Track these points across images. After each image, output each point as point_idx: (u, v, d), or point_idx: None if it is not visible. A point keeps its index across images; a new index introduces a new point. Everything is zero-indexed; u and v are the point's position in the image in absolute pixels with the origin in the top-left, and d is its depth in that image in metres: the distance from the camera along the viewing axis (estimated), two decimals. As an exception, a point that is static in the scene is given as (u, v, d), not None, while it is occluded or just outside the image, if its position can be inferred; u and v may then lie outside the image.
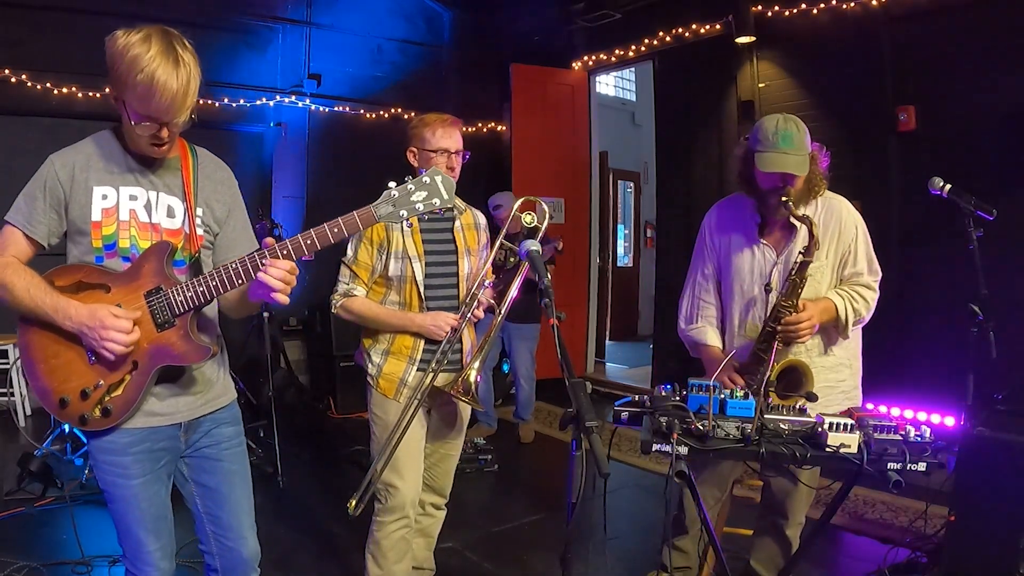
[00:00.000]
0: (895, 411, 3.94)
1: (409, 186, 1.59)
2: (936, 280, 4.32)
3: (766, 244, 2.42)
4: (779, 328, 2.26)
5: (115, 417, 1.65)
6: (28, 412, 5.10)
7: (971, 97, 4.23)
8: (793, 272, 2.27)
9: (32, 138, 5.31)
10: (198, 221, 1.74)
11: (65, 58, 5.20)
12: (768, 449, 1.84)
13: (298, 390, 5.91)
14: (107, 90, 1.61)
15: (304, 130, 6.40)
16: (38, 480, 3.67)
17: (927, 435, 1.86)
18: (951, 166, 3.83)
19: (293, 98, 6.24)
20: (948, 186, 2.74)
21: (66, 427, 4.14)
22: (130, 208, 1.67)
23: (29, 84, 5.12)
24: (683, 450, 1.84)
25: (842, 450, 1.82)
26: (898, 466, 1.81)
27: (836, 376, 2.43)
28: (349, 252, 2.49)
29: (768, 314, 2.32)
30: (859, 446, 1.82)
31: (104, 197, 1.66)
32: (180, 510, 1.88)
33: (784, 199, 2.25)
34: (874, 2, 4.57)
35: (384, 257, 2.44)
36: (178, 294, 1.62)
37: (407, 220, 1.59)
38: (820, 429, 1.86)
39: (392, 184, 1.60)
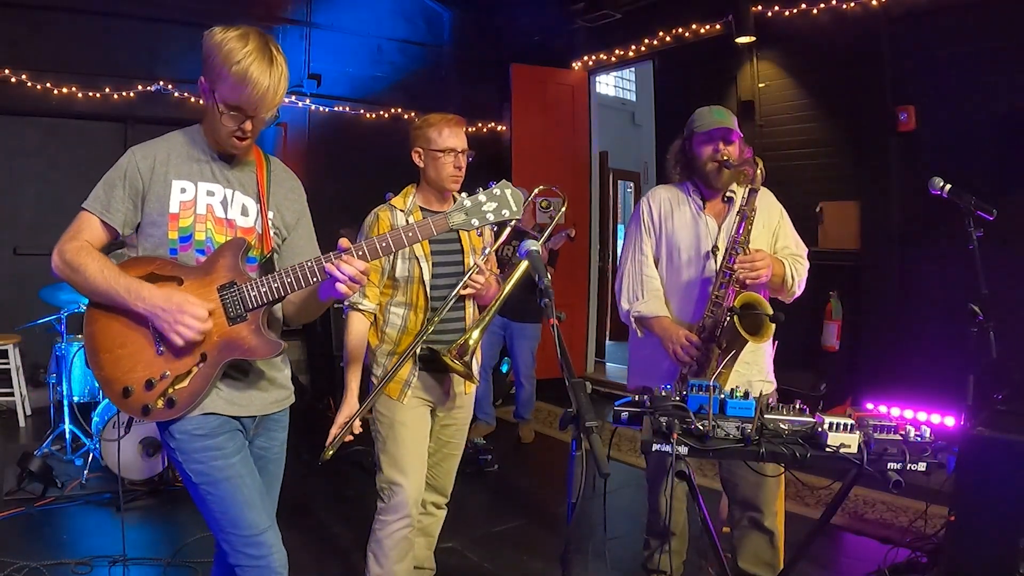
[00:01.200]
0: (895, 411, 3.95)
1: (480, 197, 1.66)
2: (936, 280, 4.32)
3: (708, 215, 2.54)
4: (735, 266, 2.32)
5: (179, 408, 1.66)
6: (28, 412, 5.10)
7: (971, 97, 4.23)
8: (743, 204, 2.38)
9: (32, 138, 5.32)
10: (271, 223, 1.80)
11: (65, 58, 5.20)
12: (768, 449, 1.84)
13: (298, 390, 5.90)
14: (200, 80, 1.68)
15: (304, 130, 6.40)
16: (38, 480, 3.67)
17: (927, 435, 1.86)
18: (951, 166, 3.84)
19: (293, 98, 6.24)
20: (948, 186, 2.74)
21: (66, 427, 4.15)
22: (207, 203, 1.73)
23: (29, 84, 5.12)
24: (683, 450, 1.84)
25: (842, 450, 1.82)
26: (898, 466, 1.81)
27: (765, 348, 2.53)
28: None
29: (721, 262, 2.38)
30: (859, 446, 1.82)
31: (183, 191, 1.71)
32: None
33: (724, 158, 2.43)
34: (874, 2, 4.57)
35: (392, 258, 2.44)
36: (251, 289, 1.66)
37: (478, 230, 1.64)
38: (820, 429, 1.86)
39: (463, 194, 1.68)
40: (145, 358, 1.66)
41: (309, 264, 1.65)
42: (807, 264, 2.54)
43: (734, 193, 2.50)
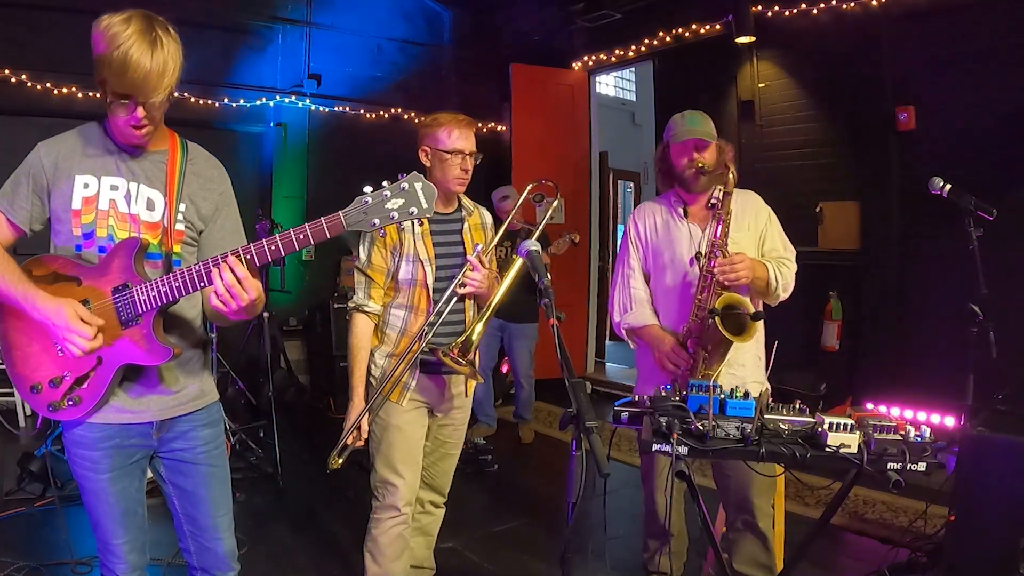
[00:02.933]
0: (895, 411, 3.94)
1: (385, 192, 1.50)
2: (936, 280, 4.32)
3: (691, 223, 2.58)
4: (716, 270, 2.34)
5: (84, 407, 1.66)
6: (28, 412, 5.10)
7: (971, 97, 4.23)
8: (719, 208, 2.41)
9: (32, 138, 5.24)
10: (179, 216, 1.72)
11: (65, 58, 5.19)
12: (768, 449, 1.84)
13: (298, 390, 5.91)
14: (94, 73, 1.59)
15: (304, 130, 6.40)
16: (38, 480, 3.67)
17: (927, 435, 1.85)
18: (951, 166, 3.83)
19: (293, 98, 6.24)
20: (948, 186, 2.74)
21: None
22: (110, 198, 1.67)
23: (29, 84, 5.12)
24: (683, 450, 1.84)
25: (842, 450, 1.82)
26: (898, 466, 1.81)
27: (755, 345, 2.53)
28: (362, 256, 2.45)
29: (702, 266, 2.41)
30: (859, 446, 1.82)
31: (86, 186, 1.67)
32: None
33: (700, 165, 2.47)
34: (874, 2, 4.56)
35: (396, 260, 2.42)
36: (143, 292, 1.60)
37: (380, 229, 1.51)
38: (820, 429, 1.86)
39: (368, 189, 1.52)
40: (49, 358, 1.66)
41: (198, 268, 1.57)
42: (794, 267, 2.53)
43: (717, 199, 2.50)
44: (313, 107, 6.38)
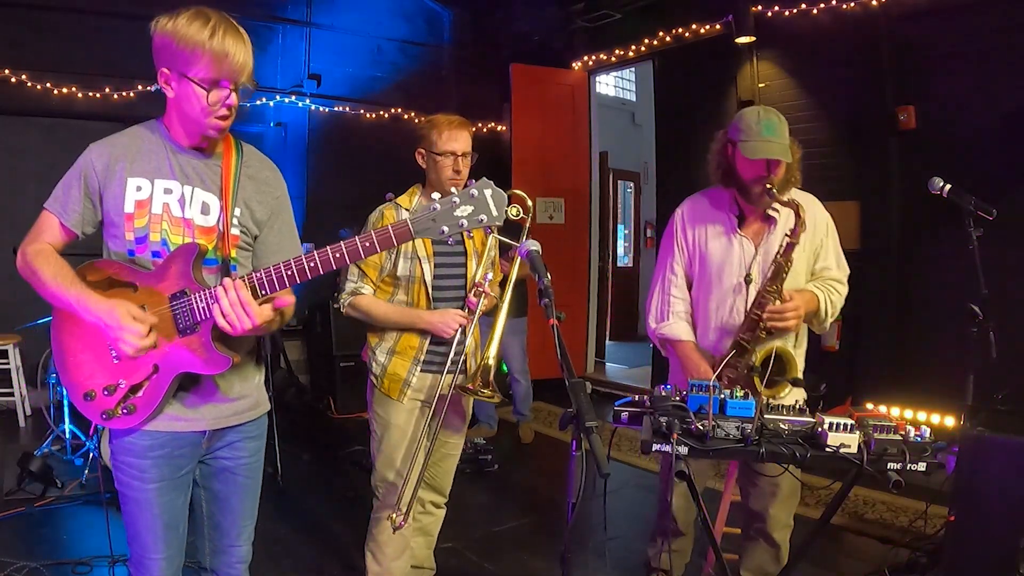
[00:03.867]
0: (895, 411, 3.94)
1: (455, 199, 1.44)
2: (936, 280, 4.31)
3: (744, 236, 2.40)
4: (764, 315, 2.24)
5: (139, 416, 1.63)
6: (28, 412, 5.10)
7: (971, 97, 4.23)
8: (779, 254, 2.26)
9: (32, 138, 5.31)
10: (234, 220, 1.69)
11: (65, 58, 5.20)
12: (768, 449, 1.84)
13: (298, 390, 5.91)
14: (163, 71, 1.59)
15: (304, 130, 6.40)
16: (38, 480, 3.67)
17: (927, 435, 1.86)
18: (951, 166, 3.83)
19: (293, 98, 6.24)
20: (948, 186, 2.74)
21: (66, 427, 4.15)
22: (164, 201, 1.64)
23: (29, 84, 5.12)
24: (683, 450, 1.84)
25: (842, 450, 1.82)
26: (898, 466, 1.81)
27: (801, 365, 2.43)
28: None
29: (752, 302, 2.30)
30: (859, 446, 1.82)
31: (138, 189, 1.63)
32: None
33: (768, 186, 2.25)
34: (874, 2, 4.56)
35: (393, 256, 2.45)
36: (201, 300, 1.56)
37: (449, 237, 1.46)
38: (820, 429, 1.86)
39: (436, 195, 1.47)
40: (104, 365, 1.63)
41: (259, 276, 1.54)
42: (846, 288, 2.41)
43: (776, 212, 2.34)
44: (313, 107, 6.37)
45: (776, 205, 2.30)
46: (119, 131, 1.71)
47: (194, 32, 1.51)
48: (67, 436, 4.15)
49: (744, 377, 2.28)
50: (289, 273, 1.53)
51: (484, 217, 1.45)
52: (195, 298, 1.57)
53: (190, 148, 1.68)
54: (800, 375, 2.19)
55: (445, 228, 1.45)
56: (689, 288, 2.54)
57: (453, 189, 1.46)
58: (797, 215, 2.24)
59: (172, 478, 1.71)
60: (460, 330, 2.43)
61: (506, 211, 1.47)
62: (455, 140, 2.44)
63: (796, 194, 2.36)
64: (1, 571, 2.85)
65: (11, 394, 5.00)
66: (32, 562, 2.92)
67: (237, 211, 1.70)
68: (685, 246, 2.51)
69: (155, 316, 1.58)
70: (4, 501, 3.58)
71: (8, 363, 4.91)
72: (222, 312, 1.52)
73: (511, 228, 2.23)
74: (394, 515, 2.38)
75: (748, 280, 2.31)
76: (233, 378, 1.75)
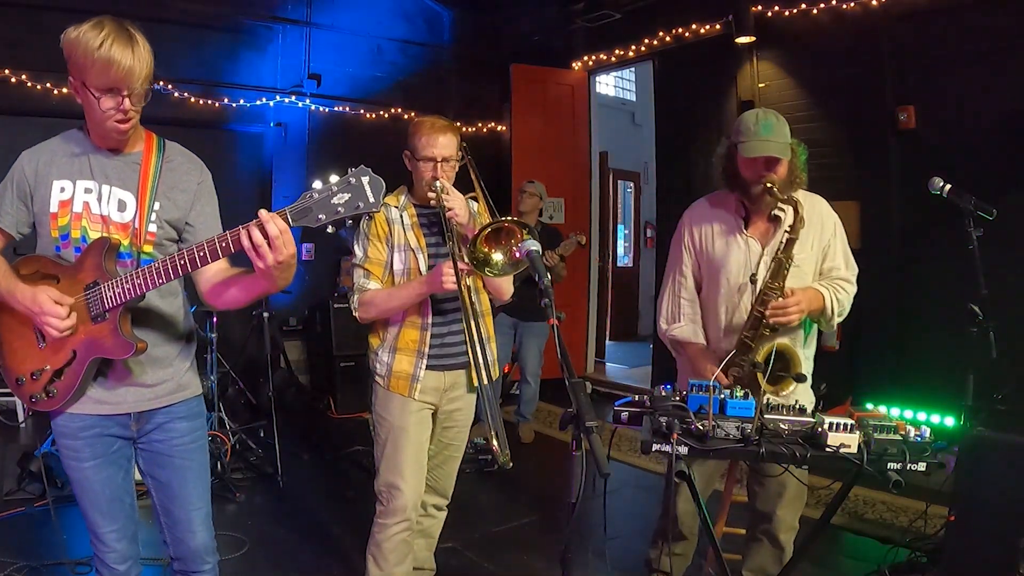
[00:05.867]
0: (895, 411, 3.94)
1: (332, 187, 1.52)
2: (936, 280, 4.31)
3: (751, 236, 2.42)
4: (767, 312, 2.25)
5: (58, 400, 1.76)
6: (28, 412, 5.09)
7: (971, 97, 4.23)
8: (779, 251, 2.28)
9: (32, 138, 5.26)
10: (153, 216, 1.79)
11: (65, 58, 5.20)
12: (768, 449, 1.84)
13: (298, 390, 5.91)
14: (69, 79, 1.69)
15: (304, 130, 6.39)
16: (38, 480, 3.67)
17: (927, 435, 1.86)
18: (951, 166, 3.83)
19: (293, 98, 6.24)
20: (948, 186, 2.74)
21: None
22: (84, 200, 1.76)
23: (29, 84, 5.11)
24: (683, 450, 1.84)
25: (842, 450, 1.82)
26: (898, 466, 1.81)
27: (809, 367, 2.45)
28: (358, 253, 2.48)
29: (754, 299, 2.32)
30: (859, 446, 1.82)
31: (62, 190, 1.76)
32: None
33: (768, 185, 2.28)
34: (874, 2, 4.56)
35: (388, 251, 2.47)
36: (109, 289, 1.68)
37: (326, 224, 1.51)
38: (820, 429, 1.86)
39: (317, 184, 1.53)
40: (32, 352, 1.78)
41: (157, 265, 1.64)
42: (854, 288, 2.41)
43: (782, 212, 2.37)
44: (313, 107, 6.37)
45: (782, 206, 2.31)
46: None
47: (86, 42, 1.60)
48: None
49: (748, 374, 2.28)
50: (202, 254, 1.60)
51: (361, 204, 1.50)
52: (104, 287, 1.69)
53: (107, 149, 1.79)
54: (803, 372, 2.19)
55: (322, 216, 1.51)
56: (699, 290, 2.55)
57: (332, 177, 1.53)
58: (796, 211, 2.26)
59: (106, 454, 1.83)
60: (452, 311, 2.46)
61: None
62: (434, 146, 2.41)
63: (802, 195, 2.37)
64: (1, 571, 2.85)
65: (11, 394, 4.99)
66: (32, 562, 2.92)
67: (157, 205, 1.80)
68: (693, 248, 2.53)
69: (76, 313, 1.71)
70: (4, 501, 3.59)
71: (8, 363, 4.91)
72: (268, 236, 1.53)
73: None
74: (505, 452, 2.32)
75: (754, 280, 2.32)
76: (147, 365, 1.83)
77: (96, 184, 1.77)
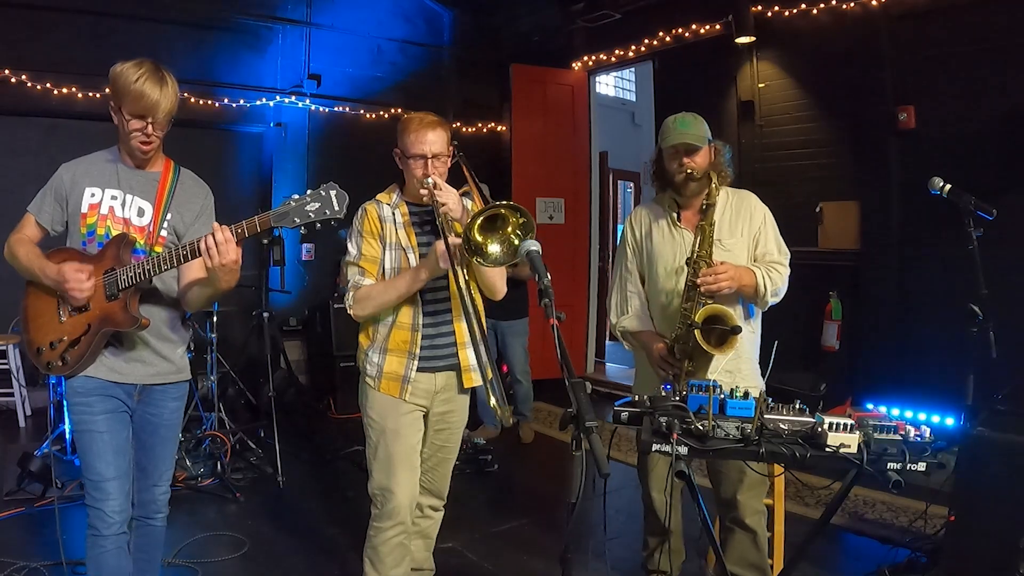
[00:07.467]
0: (895, 411, 3.94)
1: (307, 196, 1.91)
2: (936, 280, 4.31)
3: (684, 228, 2.60)
4: (699, 281, 2.36)
5: (70, 366, 2.10)
6: (28, 412, 5.10)
7: (971, 97, 4.23)
8: (701, 219, 2.44)
9: (32, 138, 5.32)
10: (165, 224, 2.19)
11: (65, 58, 5.20)
12: (768, 449, 1.84)
13: (298, 390, 5.91)
14: (110, 103, 2.10)
15: (304, 130, 6.40)
16: (38, 480, 3.67)
17: (927, 435, 1.86)
18: (951, 166, 3.83)
19: (293, 98, 6.24)
20: (948, 186, 2.74)
21: (66, 427, 4.15)
22: (110, 205, 2.15)
23: (29, 84, 5.12)
24: (683, 450, 1.84)
25: (842, 450, 1.82)
26: (898, 466, 1.81)
27: (750, 349, 2.57)
28: (352, 251, 2.47)
29: (688, 272, 2.44)
30: (859, 446, 1.82)
31: (92, 195, 2.15)
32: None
33: (689, 171, 2.50)
34: (874, 2, 4.57)
35: (381, 249, 2.46)
36: (123, 274, 2.05)
37: (300, 226, 1.89)
38: (820, 429, 1.86)
39: (295, 195, 1.91)
40: (52, 325, 2.14)
41: (163, 255, 2.02)
42: (787, 271, 2.53)
43: (712, 205, 2.50)
44: (313, 107, 6.37)
45: (712, 199, 2.47)
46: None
47: (126, 76, 2.02)
48: (67, 436, 4.15)
49: (686, 335, 2.37)
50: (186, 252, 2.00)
51: (328, 211, 1.90)
52: (119, 272, 2.05)
53: (134, 167, 2.19)
54: (739, 325, 2.28)
55: (297, 219, 1.90)
56: (644, 284, 2.72)
57: (308, 190, 1.90)
58: (709, 179, 2.47)
59: (115, 411, 2.15)
60: (443, 313, 2.47)
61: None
62: (423, 143, 2.37)
63: (731, 190, 2.60)
64: (1, 571, 2.85)
65: (11, 394, 5.00)
66: (32, 562, 2.93)
67: (169, 215, 2.20)
68: (635, 247, 2.73)
69: (95, 294, 2.07)
70: (4, 501, 3.59)
71: (8, 363, 4.92)
72: (216, 242, 1.92)
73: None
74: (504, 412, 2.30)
75: (689, 263, 2.46)
76: (152, 346, 2.20)
77: (121, 192, 2.16)
